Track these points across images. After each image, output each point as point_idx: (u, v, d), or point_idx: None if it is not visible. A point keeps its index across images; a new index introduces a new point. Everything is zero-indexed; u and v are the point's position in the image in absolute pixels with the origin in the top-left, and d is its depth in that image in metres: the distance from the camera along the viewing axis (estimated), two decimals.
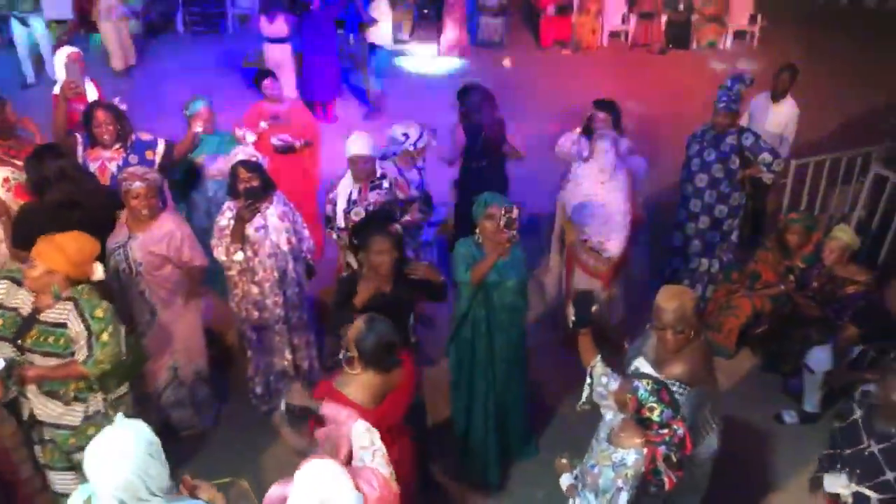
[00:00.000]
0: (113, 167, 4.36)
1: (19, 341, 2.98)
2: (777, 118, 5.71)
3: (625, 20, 11.69)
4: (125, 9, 9.32)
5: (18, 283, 3.05)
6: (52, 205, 3.67)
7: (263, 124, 5.23)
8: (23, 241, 3.47)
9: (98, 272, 3.08)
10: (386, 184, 4.35)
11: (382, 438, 2.59)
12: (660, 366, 2.95)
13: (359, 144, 4.20)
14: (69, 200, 3.66)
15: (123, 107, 4.57)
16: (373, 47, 8.43)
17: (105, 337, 2.99)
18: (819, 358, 4.23)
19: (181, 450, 3.86)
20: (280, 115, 5.40)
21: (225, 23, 11.61)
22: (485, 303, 3.55)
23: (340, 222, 4.31)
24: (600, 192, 4.50)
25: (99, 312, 2.99)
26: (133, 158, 4.40)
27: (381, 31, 8.40)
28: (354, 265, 3.89)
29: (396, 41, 10.75)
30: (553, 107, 8.92)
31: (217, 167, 4.65)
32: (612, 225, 4.51)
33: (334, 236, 4.44)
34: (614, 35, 11.77)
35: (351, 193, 4.28)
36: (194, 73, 9.40)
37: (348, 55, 9.23)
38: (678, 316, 2.87)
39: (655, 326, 2.98)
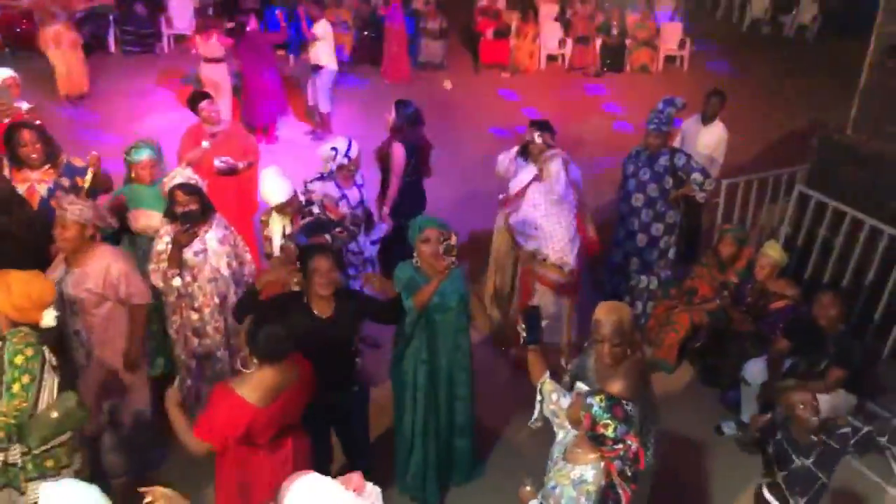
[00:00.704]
0: (43, 190, 4.18)
1: None
2: (707, 140, 5.95)
3: (561, 44, 12.00)
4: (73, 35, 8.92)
5: None
6: None
7: (205, 144, 5.09)
8: None
9: (47, 318, 2.86)
10: (316, 209, 4.34)
11: (276, 436, 2.83)
12: (600, 382, 3.00)
13: (276, 194, 4.15)
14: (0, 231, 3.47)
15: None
16: (316, 68, 8.39)
17: (15, 388, 2.69)
18: (754, 370, 4.39)
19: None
20: (218, 137, 5.27)
21: (159, 43, 11.37)
22: (427, 326, 3.53)
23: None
24: (555, 210, 4.60)
25: (18, 359, 2.71)
26: (64, 181, 4.22)
27: (323, 52, 8.37)
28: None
29: (338, 62, 10.73)
30: (492, 127, 9.06)
31: (147, 223, 4.24)
32: (569, 239, 4.63)
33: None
34: (551, 58, 12.07)
35: (284, 228, 4.25)
36: (129, 96, 9.18)
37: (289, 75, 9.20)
38: (615, 329, 2.94)
39: (594, 340, 3.03)
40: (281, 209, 4.21)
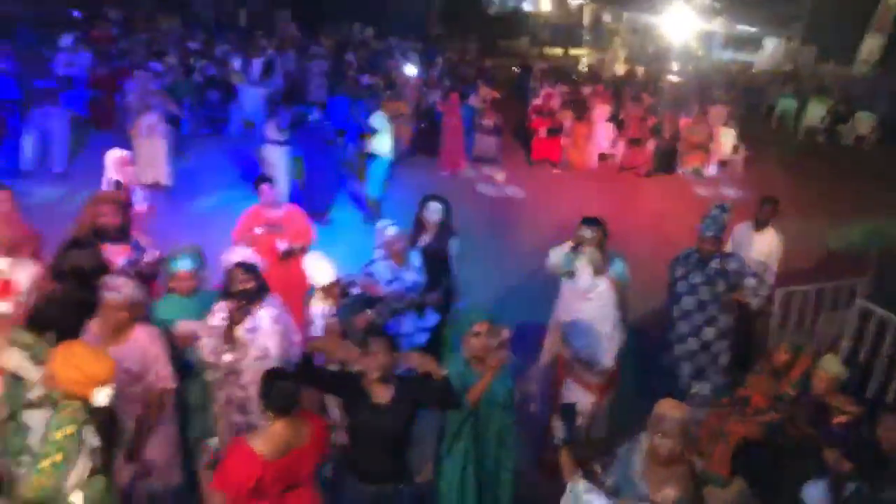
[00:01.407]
0: (123, 263, 4.36)
1: None
2: (760, 247, 5.86)
3: (613, 144, 12.21)
4: (164, 128, 9.11)
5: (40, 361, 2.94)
6: (63, 299, 3.55)
7: (258, 230, 5.23)
8: (35, 325, 3.39)
9: (100, 397, 2.81)
10: (355, 290, 4.43)
11: (281, 494, 2.91)
12: (652, 485, 2.87)
13: (321, 274, 4.28)
14: (76, 299, 3.56)
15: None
16: (372, 156, 8.74)
17: (45, 464, 2.63)
18: (814, 494, 4.12)
19: None
20: (276, 221, 5.44)
21: (229, 126, 12.03)
22: (474, 422, 3.47)
23: None
24: (585, 307, 4.55)
25: (58, 434, 2.67)
26: (136, 256, 4.42)
27: (381, 142, 8.76)
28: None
29: (396, 152, 11.14)
30: (543, 221, 9.15)
31: (189, 328, 3.96)
32: (601, 338, 4.52)
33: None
34: (603, 157, 12.27)
35: (323, 311, 4.33)
36: (198, 175, 9.58)
37: (346, 163, 9.54)
38: (678, 426, 2.84)
39: (652, 434, 2.92)
40: (325, 291, 4.29)
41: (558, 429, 2.97)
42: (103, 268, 3.87)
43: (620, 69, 19.42)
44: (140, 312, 3.54)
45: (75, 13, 17.38)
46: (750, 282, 4.87)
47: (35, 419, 2.83)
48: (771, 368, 4.82)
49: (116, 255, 4.34)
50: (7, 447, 2.83)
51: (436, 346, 5.05)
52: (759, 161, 12.28)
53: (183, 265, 4.03)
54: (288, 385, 2.96)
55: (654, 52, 24.12)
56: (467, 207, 9.53)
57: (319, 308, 4.36)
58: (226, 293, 3.95)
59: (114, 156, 5.39)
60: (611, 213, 7.98)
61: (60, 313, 3.36)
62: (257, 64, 13.51)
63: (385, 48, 18.46)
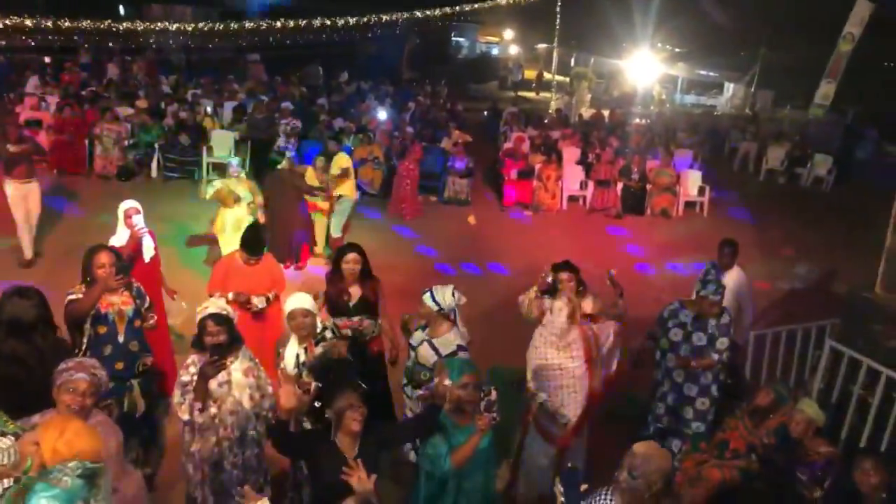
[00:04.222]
0: (130, 312, 4.31)
1: None
2: (729, 287, 5.92)
3: (583, 186, 12.41)
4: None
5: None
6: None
7: (230, 296, 5.06)
8: None
9: None
10: (329, 334, 4.28)
11: None
12: None
13: (297, 298, 4.17)
14: (8, 351, 3.44)
15: None
16: (338, 197, 8.93)
17: None
18: None
19: None
20: (252, 269, 5.35)
21: (198, 170, 11.94)
22: (456, 476, 3.41)
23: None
24: (555, 355, 4.52)
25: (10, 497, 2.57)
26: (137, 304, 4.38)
27: (345, 184, 8.98)
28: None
29: (367, 195, 11.24)
30: (514, 264, 9.19)
31: None
32: (568, 389, 4.48)
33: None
34: (573, 199, 12.44)
35: (298, 356, 4.15)
36: (166, 220, 9.48)
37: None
38: (660, 468, 2.81)
39: (624, 479, 2.87)
40: (296, 324, 4.12)
41: (560, 495, 2.92)
42: (44, 320, 3.71)
43: (587, 112, 19.85)
44: (98, 399, 3.29)
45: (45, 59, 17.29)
46: (725, 342, 4.94)
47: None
48: (751, 410, 4.82)
49: (125, 305, 4.29)
50: None
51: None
52: (724, 203, 12.58)
53: None
54: None
55: (620, 95, 24.75)
56: (440, 249, 9.58)
57: (292, 353, 4.19)
58: (197, 345, 3.86)
59: (125, 206, 5.33)
60: (582, 254, 8.08)
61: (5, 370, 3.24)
62: (228, 107, 13.54)
63: (357, 92, 18.66)
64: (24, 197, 7.53)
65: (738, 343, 5.22)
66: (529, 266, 9.03)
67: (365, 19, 19.51)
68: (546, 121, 17.21)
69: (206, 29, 18.36)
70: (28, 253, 7.75)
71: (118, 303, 4.30)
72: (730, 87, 25.46)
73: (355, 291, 4.87)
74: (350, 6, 22.30)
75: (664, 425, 5.18)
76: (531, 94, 28.76)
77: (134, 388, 4.31)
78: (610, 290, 4.93)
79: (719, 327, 4.96)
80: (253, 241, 5.27)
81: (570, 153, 13.12)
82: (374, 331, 4.88)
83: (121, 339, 4.27)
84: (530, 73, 31.66)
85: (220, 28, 19.14)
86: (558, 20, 20.55)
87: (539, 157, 12.43)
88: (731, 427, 4.86)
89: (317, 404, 3.39)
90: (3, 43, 18.44)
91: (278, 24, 18.82)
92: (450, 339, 4.28)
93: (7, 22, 18.80)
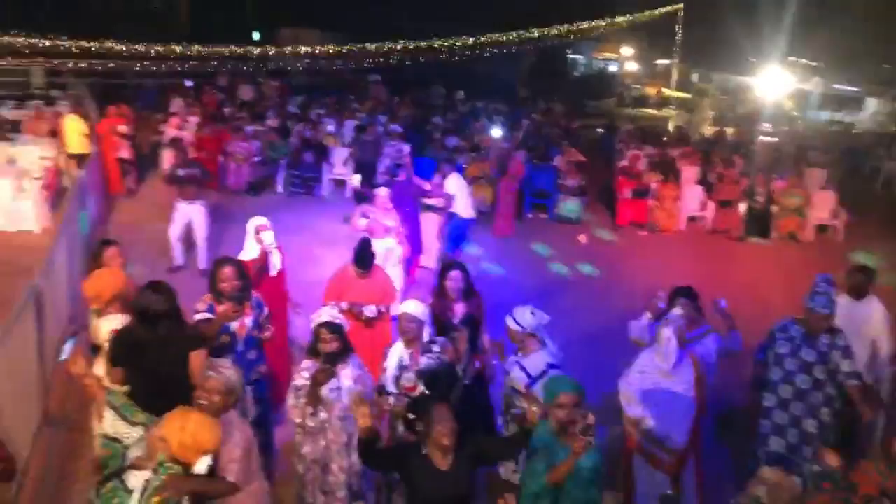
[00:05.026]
0: (249, 323, 4.60)
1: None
2: (863, 318, 5.45)
3: (703, 206, 11.91)
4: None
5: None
6: (125, 338, 3.82)
7: (344, 305, 5.24)
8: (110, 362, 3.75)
9: (201, 465, 2.92)
10: (436, 348, 4.35)
11: None
12: None
13: (409, 304, 4.34)
14: (136, 338, 3.81)
15: None
16: (451, 214, 8.96)
17: None
18: None
19: None
20: (365, 282, 5.54)
21: (320, 186, 12.55)
22: (554, 494, 3.37)
23: (391, 388, 4.31)
24: (663, 380, 4.38)
25: (155, 500, 2.81)
26: (257, 314, 4.66)
27: (457, 203, 9.00)
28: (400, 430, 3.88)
29: (477, 212, 11.32)
30: (625, 285, 8.95)
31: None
32: (677, 415, 4.33)
33: (389, 403, 4.30)
34: (692, 220, 11.96)
35: (401, 359, 4.30)
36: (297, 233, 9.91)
37: None
38: (785, 498, 2.65)
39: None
40: (403, 328, 4.27)
41: None
42: (171, 314, 3.96)
43: (709, 130, 19.07)
44: (235, 400, 3.47)
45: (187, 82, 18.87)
46: (851, 364, 4.56)
47: (136, 481, 2.94)
48: (885, 456, 4.43)
49: (246, 316, 4.56)
50: None
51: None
52: (863, 226, 11.63)
53: None
54: None
55: (745, 112, 23.58)
56: (548, 269, 9.50)
57: (395, 359, 4.32)
58: (311, 352, 4.06)
59: (255, 223, 5.74)
60: (700, 278, 7.74)
61: (123, 350, 3.62)
62: (349, 126, 14.15)
63: (472, 110, 18.92)
64: (187, 216, 8.26)
65: (876, 379, 4.79)
66: (642, 288, 8.78)
67: (482, 39, 19.86)
68: (664, 138, 16.70)
69: (330, 51, 19.35)
70: (203, 263, 8.25)
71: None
72: (871, 103, 23.58)
73: (459, 308, 4.95)
74: (467, 27, 22.79)
75: (772, 449, 4.83)
76: (650, 112, 28.01)
77: (247, 395, 4.55)
78: (720, 321, 4.73)
79: (834, 346, 4.59)
80: (362, 255, 5.48)
81: (690, 172, 12.65)
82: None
83: (240, 348, 4.56)
84: (650, 90, 30.86)
85: (344, 50, 20.10)
86: (679, 35, 19.94)
87: (656, 175, 12.07)
88: (863, 469, 4.47)
89: (410, 416, 3.45)
90: (154, 68, 20.36)
91: (399, 45, 19.52)
92: (538, 359, 4.29)
93: (158, 48, 20.77)
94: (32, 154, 11.17)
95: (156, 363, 3.74)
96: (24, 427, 4.68)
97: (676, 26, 19.63)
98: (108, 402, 3.47)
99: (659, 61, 31.87)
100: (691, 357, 4.47)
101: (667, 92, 29.23)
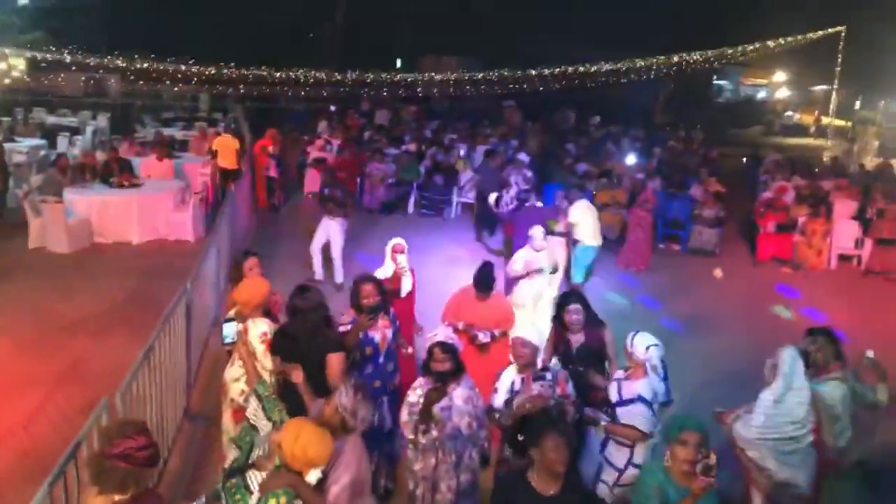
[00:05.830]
0: (389, 335, 4.85)
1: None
2: None
3: (858, 244, 10.92)
4: None
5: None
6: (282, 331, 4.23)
7: (460, 325, 5.34)
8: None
9: (311, 476, 3.00)
10: (549, 376, 4.28)
11: None
12: None
13: (523, 328, 4.35)
14: (290, 331, 4.18)
15: None
16: (575, 241, 8.83)
17: None
18: None
19: None
20: (483, 304, 5.56)
21: (448, 208, 12.84)
22: None
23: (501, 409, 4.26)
24: (786, 427, 4.05)
25: (271, 501, 2.93)
26: (394, 328, 4.92)
27: (583, 230, 8.80)
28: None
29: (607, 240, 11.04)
30: (763, 323, 8.36)
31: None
32: (798, 456, 4.04)
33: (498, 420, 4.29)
34: (844, 258, 10.99)
35: (513, 383, 4.27)
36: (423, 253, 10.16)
37: None
38: None
39: None
40: (516, 353, 4.26)
41: None
42: (318, 310, 4.39)
43: (871, 162, 17.45)
44: (353, 428, 3.41)
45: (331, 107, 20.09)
46: None
47: (256, 481, 3.11)
48: None
49: (386, 328, 4.83)
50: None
51: None
52: None
53: None
54: None
55: None
56: (675, 301, 9.07)
57: (507, 381, 4.30)
58: (425, 370, 4.16)
59: (393, 243, 6.11)
60: (849, 323, 7.09)
61: (281, 341, 4.07)
62: (480, 151, 14.38)
63: (606, 136, 18.62)
64: (328, 230, 8.99)
65: None
66: (782, 327, 8.16)
67: (619, 65, 19.51)
68: (816, 170, 15.51)
69: (466, 77, 19.80)
70: (338, 277, 8.95)
71: (381, 327, 4.81)
72: None
73: (577, 339, 4.87)
74: (605, 52, 22.45)
75: None
76: (805, 141, 26.13)
77: (384, 405, 4.75)
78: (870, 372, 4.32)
79: None
80: (483, 278, 5.54)
81: (844, 206, 11.65)
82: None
83: (381, 359, 4.77)
84: (806, 118, 28.82)
85: (480, 76, 20.51)
86: (840, 59, 18.51)
87: (804, 208, 11.23)
88: None
89: (519, 437, 3.41)
90: (302, 93, 21.87)
91: (534, 71, 19.64)
92: (635, 386, 4.14)
93: (314, 75, 22.29)
94: (194, 170, 12.42)
95: (303, 354, 3.99)
96: (170, 419, 5.12)
97: (837, 48, 18.17)
98: (256, 392, 3.73)
99: (815, 87, 29.73)
100: (812, 394, 4.13)
101: (825, 120, 27.15)
